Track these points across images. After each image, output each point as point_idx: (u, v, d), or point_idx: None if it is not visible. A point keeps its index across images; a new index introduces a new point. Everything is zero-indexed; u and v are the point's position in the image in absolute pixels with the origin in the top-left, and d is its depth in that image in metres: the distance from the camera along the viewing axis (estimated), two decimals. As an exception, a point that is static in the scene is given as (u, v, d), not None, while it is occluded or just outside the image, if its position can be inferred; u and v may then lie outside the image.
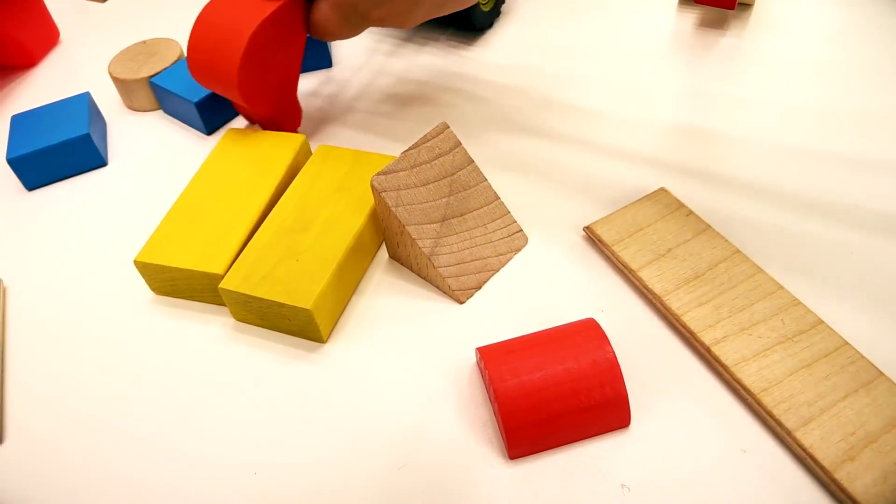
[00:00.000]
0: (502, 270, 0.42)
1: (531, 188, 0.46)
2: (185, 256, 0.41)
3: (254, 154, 0.47)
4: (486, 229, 0.42)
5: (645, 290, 0.39)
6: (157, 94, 0.56)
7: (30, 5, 0.64)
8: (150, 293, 0.44)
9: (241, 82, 0.45)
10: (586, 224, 0.43)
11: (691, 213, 0.42)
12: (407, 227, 0.39)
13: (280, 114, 0.49)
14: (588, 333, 0.35)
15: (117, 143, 0.56)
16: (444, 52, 0.59)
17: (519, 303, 0.40)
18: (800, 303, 0.37)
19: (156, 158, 0.54)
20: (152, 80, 0.55)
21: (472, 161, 0.42)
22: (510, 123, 0.51)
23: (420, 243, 0.40)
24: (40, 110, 0.55)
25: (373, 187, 0.39)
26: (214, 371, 0.40)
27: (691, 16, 0.60)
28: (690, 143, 0.48)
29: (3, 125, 0.59)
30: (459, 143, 0.41)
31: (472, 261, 0.41)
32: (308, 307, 0.37)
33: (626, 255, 0.41)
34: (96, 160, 0.53)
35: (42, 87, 0.63)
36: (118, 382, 0.40)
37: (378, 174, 0.39)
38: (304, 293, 0.38)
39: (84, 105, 0.54)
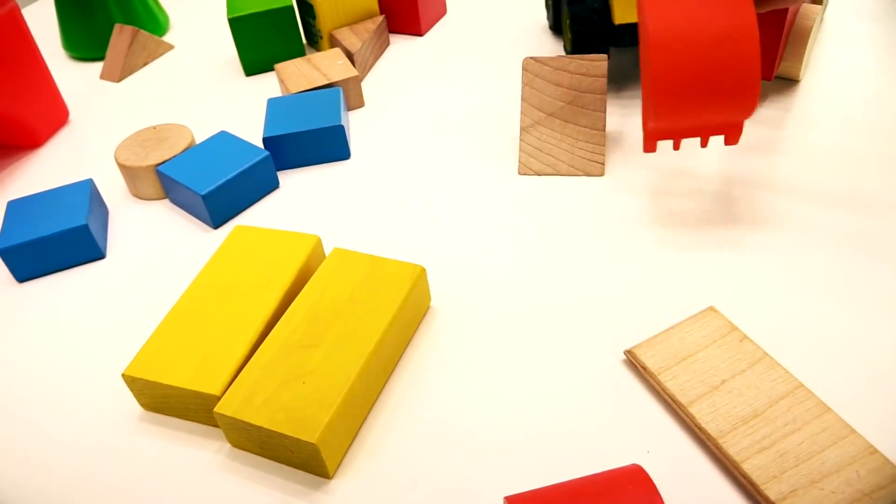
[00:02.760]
0: (532, 399, 0.37)
1: (563, 303, 0.42)
2: (178, 373, 0.37)
3: (261, 255, 0.43)
4: (576, 144, 0.50)
5: (696, 429, 0.35)
6: (164, 183, 0.53)
7: (38, 83, 0.62)
8: (139, 407, 0.40)
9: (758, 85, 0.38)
10: (626, 347, 0.39)
11: (745, 337, 0.38)
12: (522, 103, 0.51)
13: None
14: (636, 487, 0.30)
15: (119, 233, 0.52)
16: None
17: (552, 438, 0.36)
18: (876, 451, 0.33)
19: (158, 253, 0.50)
20: (159, 168, 0.52)
21: (605, 94, 0.50)
22: (532, 224, 0.48)
23: (523, 118, 0.51)
24: (39, 196, 0.52)
25: (523, 63, 0.51)
26: (204, 505, 0.35)
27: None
28: (739, 254, 0.44)
29: (0, 209, 0.56)
30: (605, 76, 0.49)
31: (547, 154, 0.51)
32: (313, 441, 0.33)
33: (674, 386, 0.36)
34: (94, 252, 0.50)
35: (46, 168, 0.60)
36: (95, 511, 0.35)
37: (531, 57, 0.51)
38: (309, 424, 0.33)
39: (85, 193, 0.51)
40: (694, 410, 0.35)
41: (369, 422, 0.37)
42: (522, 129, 0.51)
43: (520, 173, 0.50)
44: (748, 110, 0.39)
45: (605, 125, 0.50)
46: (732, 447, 0.33)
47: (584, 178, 0.50)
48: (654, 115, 0.40)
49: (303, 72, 0.61)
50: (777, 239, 0.44)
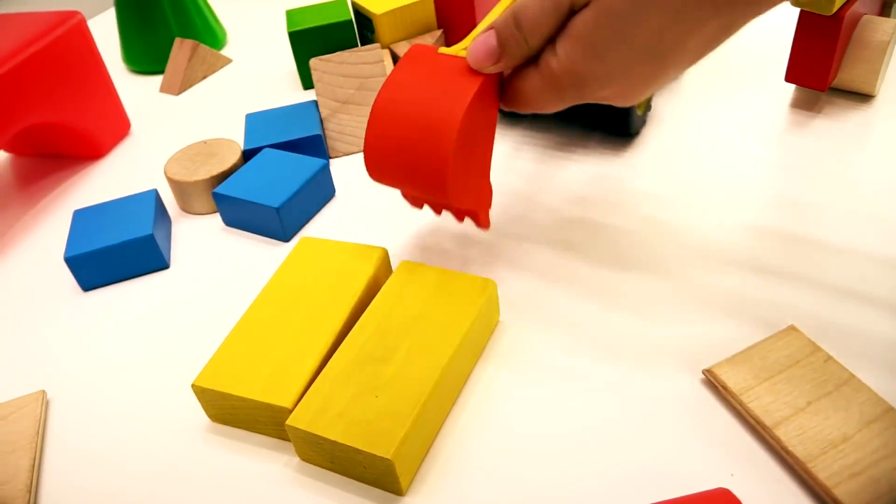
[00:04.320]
0: (609, 418, 0.36)
1: (637, 320, 0.41)
2: (249, 384, 0.37)
3: (329, 267, 0.42)
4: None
5: (783, 452, 0.33)
6: (220, 204, 0.52)
7: (102, 95, 0.63)
8: (206, 419, 0.39)
9: (450, 175, 0.38)
10: (705, 366, 0.38)
11: (829, 358, 0.37)
12: (318, 98, 0.59)
13: (475, 202, 0.42)
14: (728, 512, 0.29)
15: (181, 244, 0.52)
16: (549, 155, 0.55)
17: (630, 459, 0.34)
18: (977, 479, 0.31)
19: (222, 264, 0.50)
20: (215, 190, 0.51)
21: (385, 74, 0.56)
22: (603, 241, 0.47)
23: (322, 109, 0.58)
24: (104, 206, 0.52)
25: (311, 64, 0.59)
26: (273, 520, 0.34)
27: (807, 114, 0.54)
28: (819, 268, 0.42)
29: (66, 218, 0.57)
30: (382, 61, 0.58)
31: (349, 135, 0.58)
32: (388, 456, 0.32)
33: (759, 407, 0.35)
34: (158, 262, 0.50)
35: (109, 179, 0.61)
36: (164, 525, 0.35)
37: (318, 58, 0.59)
38: (384, 438, 0.33)
39: (150, 203, 0.51)
40: (780, 433, 0.34)
41: (441, 438, 0.37)
42: (324, 119, 0.58)
43: (331, 157, 0.57)
44: (442, 194, 0.38)
45: None
46: (823, 472, 0.32)
47: (665, 200, 0.49)
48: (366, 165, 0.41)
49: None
50: (856, 255, 0.43)
